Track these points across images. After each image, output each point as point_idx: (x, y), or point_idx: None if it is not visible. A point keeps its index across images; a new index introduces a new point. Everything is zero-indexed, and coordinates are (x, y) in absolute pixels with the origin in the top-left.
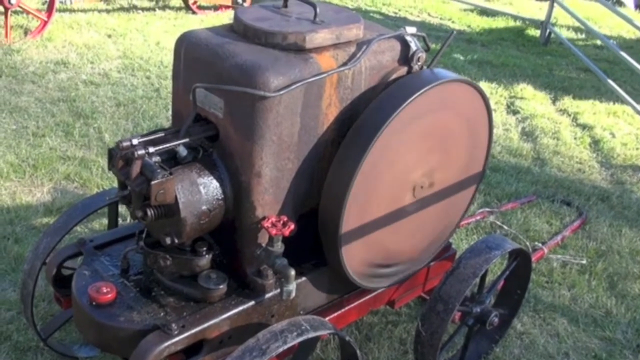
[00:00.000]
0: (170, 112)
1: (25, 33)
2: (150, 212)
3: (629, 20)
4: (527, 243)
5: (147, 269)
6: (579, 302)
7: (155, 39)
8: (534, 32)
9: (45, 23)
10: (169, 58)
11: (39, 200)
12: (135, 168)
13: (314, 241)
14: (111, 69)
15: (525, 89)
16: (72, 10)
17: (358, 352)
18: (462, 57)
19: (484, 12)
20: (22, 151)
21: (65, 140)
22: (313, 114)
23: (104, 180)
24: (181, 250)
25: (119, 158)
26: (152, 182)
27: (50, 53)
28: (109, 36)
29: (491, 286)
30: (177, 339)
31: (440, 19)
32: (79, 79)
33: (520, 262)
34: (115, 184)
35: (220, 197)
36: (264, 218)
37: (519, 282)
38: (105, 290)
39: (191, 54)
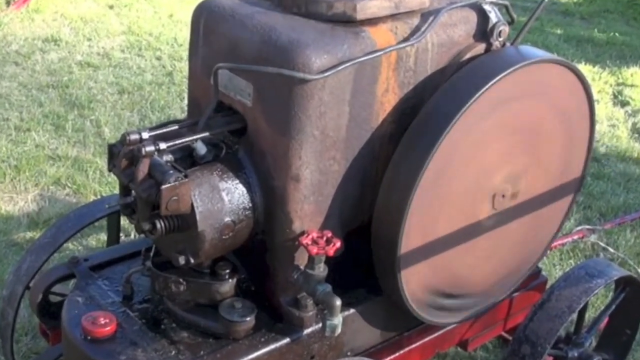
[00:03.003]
0: (185, 102)
1: (8, 3)
2: (160, 224)
3: None
4: (639, 270)
5: (155, 295)
6: None
7: (167, 11)
8: None
9: None
10: (184, 34)
11: (22, 209)
12: (142, 168)
13: (366, 263)
14: (113, 48)
15: (636, 75)
16: None
17: None
18: (556, 33)
19: None
20: (1, 149)
21: (55, 135)
22: (365, 103)
23: (103, 186)
24: (198, 272)
25: (122, 156)
26: (163, 187)
27: (38, 28)
28: (111, 7)
29: (592, 324)
30: None
31: None
32: (73, 60)
33: (630, 293)
34: (117, 190)
35: (247, 207)
36: (302, 233)
37: (628, 320)
38: (103, 322)
39: (212, 27)
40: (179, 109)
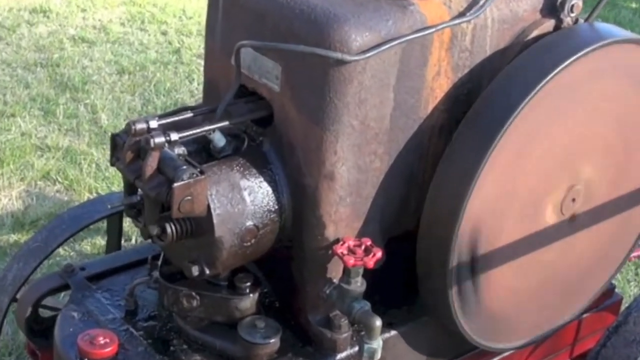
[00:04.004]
0: (195, 84)
1: None
2: (170, 228)
3: None
4: None
5: (163, 311)
6: None
7: None
8: None
9: None
10: (194, 5)
11: (6, 208)
12: (151, 163)
13: (410, 277)
14: (111, 21)
15: None
16: None
17: None
18: (630, 7)
19: None
20: None
21: (44, 122)
22: (413, 88)
23: (99, 181)
24: (214, 285)
25: (127, 148)
26: (175, 185)
27: None
28: None
29: None
30: None
31: None
32: (65, 35)
33: None
34: (115, 187)
35: (273, 209)
36: (337, 241)
37: None
38: (102, 342)
39: None
40: (188, 93)
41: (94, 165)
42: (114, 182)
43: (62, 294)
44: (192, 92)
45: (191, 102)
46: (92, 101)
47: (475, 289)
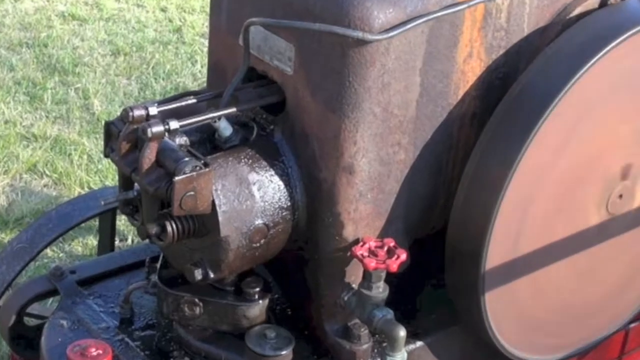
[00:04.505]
0: (198, 66)
1: None
2: (171, 227)
3: None
4: None
5: (162, 319)
6: None
7: None
8: None
9: None
10: None
11: None
12: (149, 154)
13: (438, 281)
14: None
15: None
16: None
17: None
18: None
19: None
20: None
21: (30, 108)
22: (442, 72)
23: (91, 175)
24: (219, 291)
25: (123, 137)
26: (176, 178)
27: None
28: None
29: None
30: None
31: None
32: (54, 11)
33: None
34: (110, 181)
35: (285, 206)
36: (356, 241)
37: None
38: (94, 353)
39: None
40: (190, 76)
41: (85, 157)
42: (107, 175)
43: (50, 300)
44: (194, 75)
45: (194, 86)
46: (84, 85)
47: (511, 293)
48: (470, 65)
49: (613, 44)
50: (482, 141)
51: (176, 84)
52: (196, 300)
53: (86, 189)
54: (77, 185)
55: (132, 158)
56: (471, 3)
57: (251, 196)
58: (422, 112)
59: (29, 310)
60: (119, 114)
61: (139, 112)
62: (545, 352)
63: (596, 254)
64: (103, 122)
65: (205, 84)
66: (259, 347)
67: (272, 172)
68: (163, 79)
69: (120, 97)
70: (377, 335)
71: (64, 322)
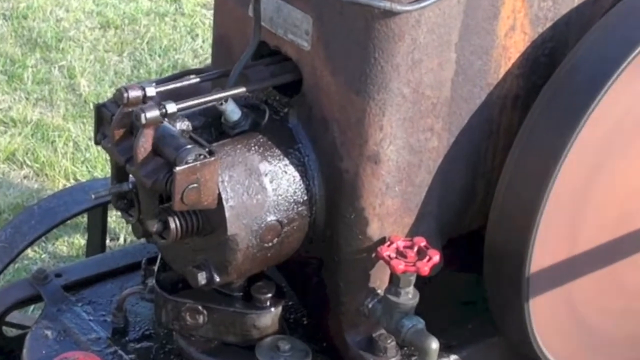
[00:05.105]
0: (199, 41)
1: None
2: (175, 223)
3: None
4: None
5: (161, 329)
6: None
7: None
8: None
9: None
10: None
11: None
12: (143, 144)
13: (475, 287)
14: None
15: None
16: None
17: None
18: None
19: None
20: None
21: (8, 89)
22: (481, 48)
23: (77, 165)
24: (226, 297)
25: (116, 122)
26: (177, 169)
27: None
28: None
29: None
30: None
31: None
32: None
33: None
34: (100, 172)
35: (301, 200)
36: (382, 241)
37: None
38: None
39: None
40: (190, 53)
41: (71, 144)
42: (96, 165)
43: (32, 306)
44: (195, 51)
45: (194, 64)
46: (69, 63)
47: (559, 301)
48: (512, 40)
49: None
50: (527, 126)
51: (174, 61)
52: (199, 307)
53: (72, 181)
54: (61, 177)
55: (127, 145)
56: None
57: (262, 189)
58: (458, 94)
59: (9, 319)
60: (109, 95)
61: (134, 93)
62: None
63: None
64: (91, 105)
65: (208, 62)
66: None
67: (287, 162)
68: (159, 56)
69: (111, 76)
70: (405, 348)
71: (49, 333)
